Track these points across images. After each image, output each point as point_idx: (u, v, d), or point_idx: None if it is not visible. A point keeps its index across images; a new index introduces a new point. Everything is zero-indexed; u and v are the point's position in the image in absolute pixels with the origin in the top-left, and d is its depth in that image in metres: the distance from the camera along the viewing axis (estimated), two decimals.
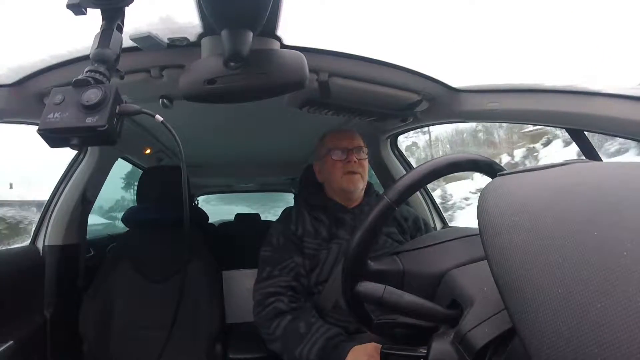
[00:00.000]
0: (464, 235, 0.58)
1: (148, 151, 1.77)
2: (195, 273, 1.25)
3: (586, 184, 0.31)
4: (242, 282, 1.51)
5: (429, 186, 1.58)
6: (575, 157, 0.48)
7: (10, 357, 0.95)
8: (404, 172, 1.37)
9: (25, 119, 0.91)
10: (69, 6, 0.46)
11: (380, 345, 0.72)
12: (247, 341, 1.28)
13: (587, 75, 0.73)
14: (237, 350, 1.26)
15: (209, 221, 1.98)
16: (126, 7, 0.49)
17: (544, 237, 0.27)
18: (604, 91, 0.72)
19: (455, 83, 0.95)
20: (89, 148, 1.30)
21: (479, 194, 0.36)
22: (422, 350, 0.47)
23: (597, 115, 0.74)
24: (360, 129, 1.18)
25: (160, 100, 0.91)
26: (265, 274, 0.96)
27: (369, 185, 1.09)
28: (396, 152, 1.51)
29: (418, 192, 1.46)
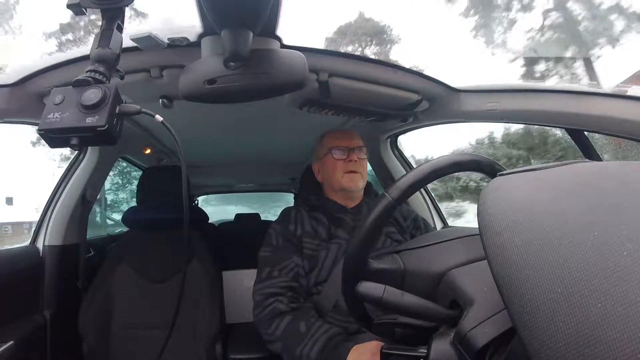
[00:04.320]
0: (465, 235, 0.57)
1: (148, 151, 1.77)
2: (195, 273, 1.25)
3: (586, 183, 0.31)
4: (242, 282, 1.50)
5: (429, 186, 1.58)
6: None
7: (10, 357, 0.94)
8: (404, 172, 1.37)
9: (25, 119, 0.91)
10: (69, 6, 0.46)
11: (382, 344, 0.72)
12: (247, 341, 1.28)
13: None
14: (237, 350, 1.26)
15: (209, 221, 1.97)
16: (126, 7, 0.49)
17: (544, 237, 0.27)
18: (604, 91, 0.72)
19: (455, 83, 0.95)
20: (89, 148, 1.30)
21: None
22: (422, 350, 0.47)
23: (597, 115, 0.74)
24: (360, 129, 1.18)
25: (160, 100, 0.91)
26: (264, 274, 0.95)
27: (368, 185, 1.09)
28: (396, 152, 1.51)
29: (418, 192, 1.46)
